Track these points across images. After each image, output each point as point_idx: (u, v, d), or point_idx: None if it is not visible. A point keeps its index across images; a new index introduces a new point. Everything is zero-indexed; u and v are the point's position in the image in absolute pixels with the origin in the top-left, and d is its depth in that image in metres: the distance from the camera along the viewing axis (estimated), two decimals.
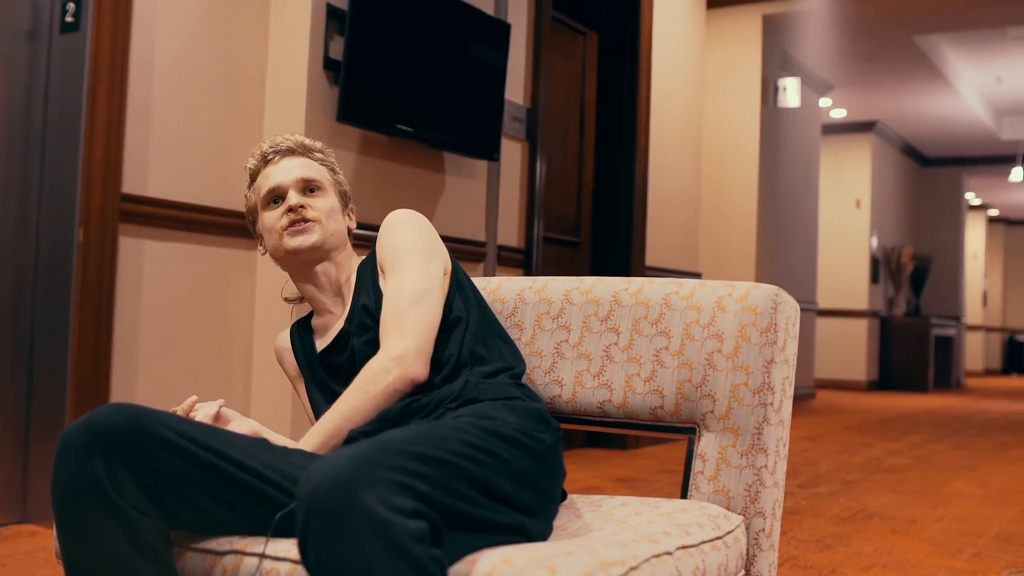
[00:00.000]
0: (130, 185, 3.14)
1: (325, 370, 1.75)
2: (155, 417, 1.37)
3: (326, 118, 3.54)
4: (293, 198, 1.74)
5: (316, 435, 1.53)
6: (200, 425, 1.41)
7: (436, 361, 1.61)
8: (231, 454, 1.38)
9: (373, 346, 1.63)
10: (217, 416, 1.60)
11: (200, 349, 3.37)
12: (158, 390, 3.23)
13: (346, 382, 1.63)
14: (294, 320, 1.90)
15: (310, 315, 1.86)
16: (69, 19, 3.07)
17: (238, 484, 1.38)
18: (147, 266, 3.21)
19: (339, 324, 1.76)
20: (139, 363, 3.19)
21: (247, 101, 3.52)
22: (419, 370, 1.57)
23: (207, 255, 3.38)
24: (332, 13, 3.56)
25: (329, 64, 3.55)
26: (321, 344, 1.78)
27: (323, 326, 1.81)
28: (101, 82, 3.03)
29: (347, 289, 1.79)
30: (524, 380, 1.77)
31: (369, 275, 1.75)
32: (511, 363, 1.67)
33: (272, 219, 1.77)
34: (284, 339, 1.88)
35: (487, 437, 1.34)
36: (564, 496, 1.66)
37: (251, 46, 3.53)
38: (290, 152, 1.80)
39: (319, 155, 1.83)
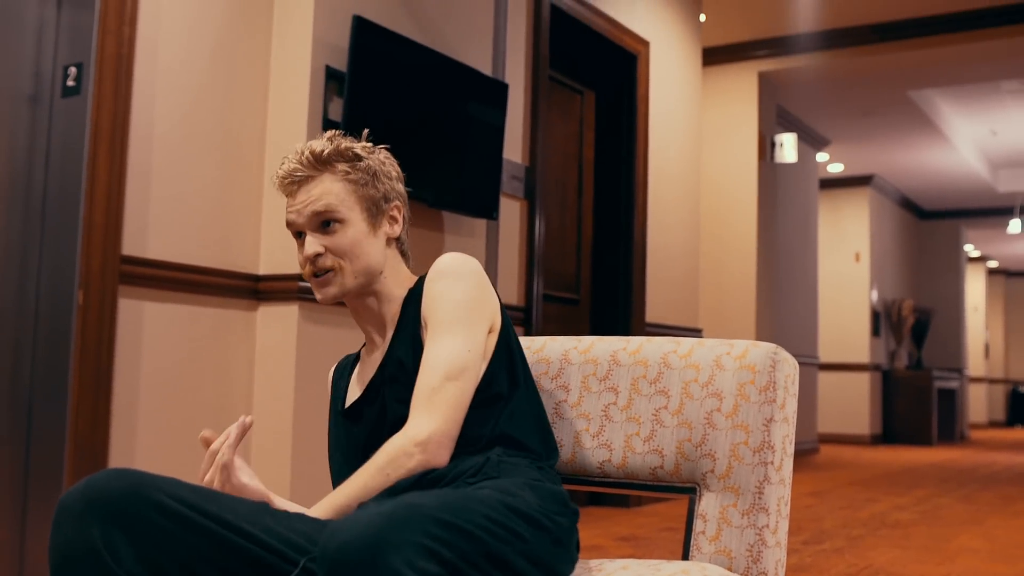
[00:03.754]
0: (130, 247, 3.15)
1: (350, 416, 1.72)
2: (154, 483, 1.36)
3: None
4: (309, 246, 1.63)
5: (328, 509, 1.50)
6: (200, 490, 1.40)
7: (463, 436, 1.56)
8: (231, 520, 1.37)
9: (405, 405, 1.58)
10: (229, 466, 1.47)
11: (200, 411, 3.36)
12: (157, 453, 3.21)
13: (370, 433, 1.63)
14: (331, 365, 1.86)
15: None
16: (71, 83, 3.10)
17: (238, 551, 1.37)
18: (147, 328, 3.21)
19: (377, 366, 1.70)
20: (138, 426, 3.18)
21: (247, 163, 3.54)
22: (443, 458, 1.53)
23: (207, 316, 3.38)
24: (331, 75, 3.60)
25: (328, 125, 3.58)
26: (358, 384, 1.74)
27: (369, 357, 1.75)
28: (102, 145, 3.06)
29: (392, 321, 1.71)
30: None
31: (411, 318, 1.67)
32: (542, 455, 1.62)
33: (299, 253, 1.68)
34: (335, 372, 1.86)
35: (509, 514, 1.34)
36: None
37: (251, 108, 3.57)
38: (307, 180, 1.64)
39: (342, 167, 1.65)
